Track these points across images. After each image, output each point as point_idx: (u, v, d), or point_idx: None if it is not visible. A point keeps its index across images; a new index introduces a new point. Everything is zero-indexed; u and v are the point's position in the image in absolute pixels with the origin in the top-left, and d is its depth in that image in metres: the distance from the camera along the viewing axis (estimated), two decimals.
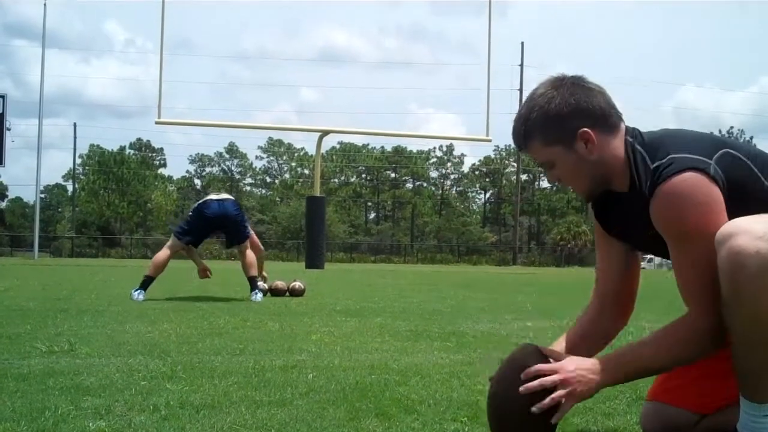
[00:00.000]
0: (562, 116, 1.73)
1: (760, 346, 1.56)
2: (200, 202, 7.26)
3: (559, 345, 1.94)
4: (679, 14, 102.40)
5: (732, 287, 1.55)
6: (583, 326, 1.96)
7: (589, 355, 1.84)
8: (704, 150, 1.67)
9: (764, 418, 1.59)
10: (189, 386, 2.55)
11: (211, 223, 7.13)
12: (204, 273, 7.49)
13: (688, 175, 1.63)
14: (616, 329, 1.97)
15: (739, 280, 1.53)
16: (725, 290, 1.57)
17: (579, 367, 1.70)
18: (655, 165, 1.68)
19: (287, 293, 7.60)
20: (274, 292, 7.57)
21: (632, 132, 1.79)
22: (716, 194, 1.63)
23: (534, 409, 1.64)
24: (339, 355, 3.37)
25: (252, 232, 7.45)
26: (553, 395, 1.65)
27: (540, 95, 1.76)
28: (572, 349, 1.88)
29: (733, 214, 1.63)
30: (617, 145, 1.77)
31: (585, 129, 1.74)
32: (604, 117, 1.76)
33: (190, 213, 7.23)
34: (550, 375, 1.67)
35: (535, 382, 1.66)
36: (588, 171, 1.77)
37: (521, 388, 1.66)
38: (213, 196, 7.24)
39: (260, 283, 7.37)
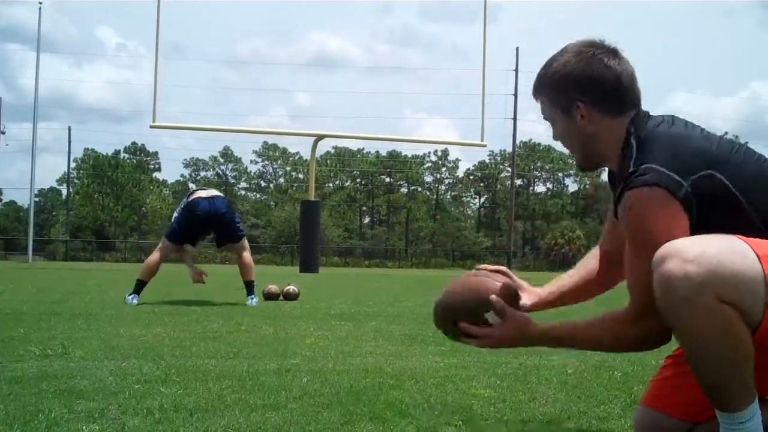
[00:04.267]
0: (568, 84, 1.81)
1: (708, 362, 1.57)
2: (188, 200, 6.92)
3: (556, 284, 2.14)
4: (669, 20, 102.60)
5: (667, 311, 1.56)
6: (582, 272, 2.12)
7: (584, 299, 2.13)
8: (687, 167, 1.66)
9: (741, 425, 1.58)
10: (183, 390, 2.55)
11: (202, 223, 6.89)
12: (198, 277, 7.26)
13: (652, 191, 1.65)
14: (613, 283, 2.10)
15: (671, 304, 1.54)
16: (662, 314, 1.59)
17: (503, 336, 1.84)
18: (631, 170, 1.70)
19: (281, 297, 7.59)
20: (269, 296, 7.56)
21: (637, 121, 1.79)
22: (671, 215, 1.64)
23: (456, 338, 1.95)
24: (333, 359, 3.37)
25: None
26: (471, 343, 1.89)
27: (565, 53, 1.84)
28: (567, 292, 2.12)
29: (708, 229, 1.64)
30: (618, 127, 1.80)
31: (580, 103, 1.80)
32: (610, 97, 1.80)
33: (178, 212, 6.96)
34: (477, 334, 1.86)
35: (465, 333, 1.89)
36: (581, 141, 1.85)
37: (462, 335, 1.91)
38: (201, 194, 6.92)
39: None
